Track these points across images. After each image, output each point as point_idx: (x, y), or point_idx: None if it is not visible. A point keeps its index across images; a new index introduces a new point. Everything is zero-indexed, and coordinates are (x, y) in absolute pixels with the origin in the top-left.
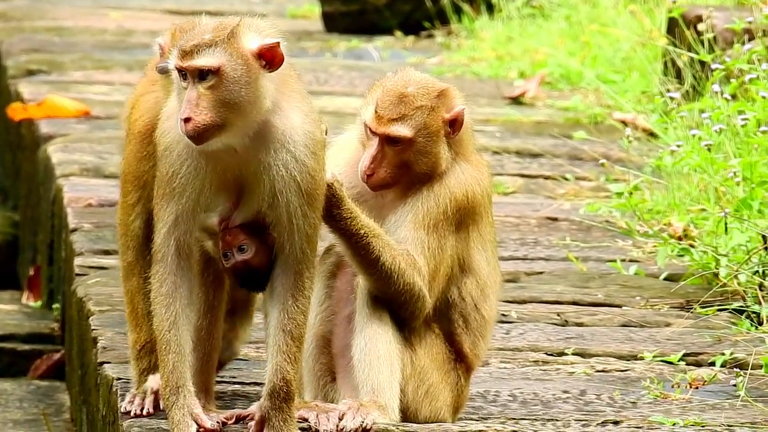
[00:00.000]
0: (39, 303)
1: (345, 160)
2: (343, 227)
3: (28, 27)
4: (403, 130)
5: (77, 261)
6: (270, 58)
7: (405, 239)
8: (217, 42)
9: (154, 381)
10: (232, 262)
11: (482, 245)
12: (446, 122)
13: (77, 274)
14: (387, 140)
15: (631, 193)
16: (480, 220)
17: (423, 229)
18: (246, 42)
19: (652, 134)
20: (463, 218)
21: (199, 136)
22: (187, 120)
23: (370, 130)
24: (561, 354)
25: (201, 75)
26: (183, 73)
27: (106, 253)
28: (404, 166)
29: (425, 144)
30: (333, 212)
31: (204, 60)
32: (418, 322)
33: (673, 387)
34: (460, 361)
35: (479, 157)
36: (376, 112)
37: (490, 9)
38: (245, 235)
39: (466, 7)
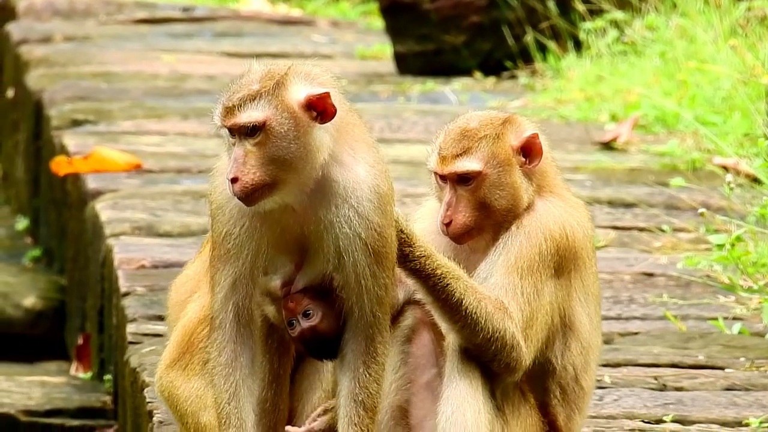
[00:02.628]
0: (89, 374)
1: (428, 230)
2: (417, 268)
3: (72, 73)
4: (469, 164)
5: (130, 328)
6: (321, 109)
7: (495, 285)
8: (261, 94)
9: None
10: (298, 330)
11: (585, 299)
12: (517, 150)
13: (130, 342)
14: (457, 180)
15: (733, 245)
16: (583, 268)
17: (516, 273)
18: (293, 92)
19: (755, 180)
20: (563, 262)
21: (248, 196)
22: (234, 180)
23: (438, 175)
24: (659, 421)
25: (247, 131)
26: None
27: (161, 318)
28: (483, 207)
29: (498, 176)
30: (404, 251)
31: (247, 116)
32: (514, 376)
33: None
34: None
35: (572, 195)
36: (439, 154)
37: (578, 46)
38: (309, 300)
39: (551, 45)
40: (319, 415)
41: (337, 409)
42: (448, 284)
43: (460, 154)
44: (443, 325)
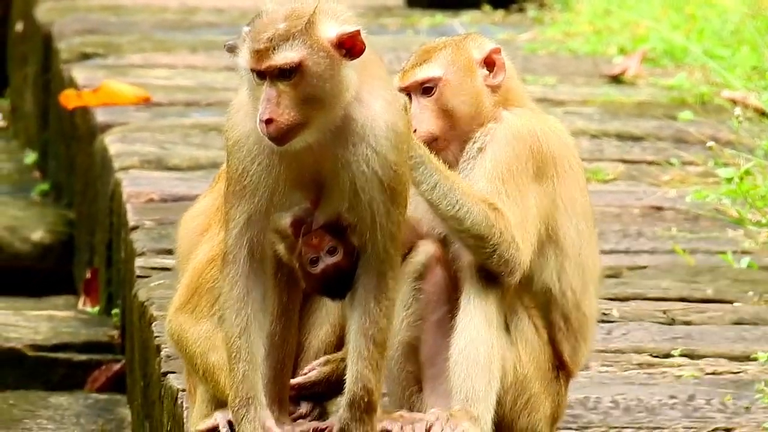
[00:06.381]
0: (96, 309)
1: None
2: (413, 162)
3: (81, 6)
4: (429, 70)
5: (138, 262)
6: (350, 46)
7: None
8: (294, 34)
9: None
10: (322, 267)
11: (573, 212)
12: (480, 63)
13: (138, 276)
14: (421, 92)
15: (741, 179)
16: (565, 177)
17: (497, 179)
18: (324, 31)
19: (764, 114)
20: (541, 165)
21: (282, 137)
22: (269, 121)
23: (402, 88)
24: (667, 356)
25: (280, 72)
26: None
27: (170, 252)
28: (446, 115)
29: (459, 81)
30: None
31: (283, 57)
32: (513, 276)
33: None
34: (562, 368)
35: (543, 112)
36: (401, 70)
37: None
38: (331, 237)
39: None
40: (319, 365)
41: (346, 344)
42: (445, 182)
43: (420, 64)
44: (440, 223)
